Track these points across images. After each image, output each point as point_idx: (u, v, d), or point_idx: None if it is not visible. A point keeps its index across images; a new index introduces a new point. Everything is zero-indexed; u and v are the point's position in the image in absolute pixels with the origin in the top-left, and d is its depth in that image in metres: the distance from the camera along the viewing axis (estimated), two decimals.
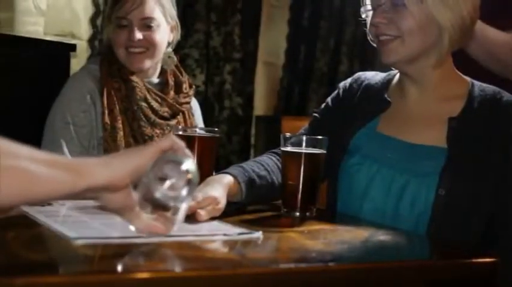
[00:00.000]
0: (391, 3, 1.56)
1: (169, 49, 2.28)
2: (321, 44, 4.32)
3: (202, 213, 1.30)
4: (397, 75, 1.72)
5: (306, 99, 4.30)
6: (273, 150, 1.72)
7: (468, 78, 1.67)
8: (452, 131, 1.57)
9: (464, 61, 1.79)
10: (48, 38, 3.01)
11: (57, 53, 2.70)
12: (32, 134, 2.17)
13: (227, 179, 1.48)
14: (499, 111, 1.58)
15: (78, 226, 1.17)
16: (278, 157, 1.64)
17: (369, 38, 1.65)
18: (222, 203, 1.39)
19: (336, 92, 1.80)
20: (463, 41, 1.63)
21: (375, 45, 1.64)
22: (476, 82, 1.66)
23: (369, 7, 1.63)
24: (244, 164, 1.59)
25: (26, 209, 1.28)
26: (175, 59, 2.32)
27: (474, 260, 1.21)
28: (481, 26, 2.09)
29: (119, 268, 0.98)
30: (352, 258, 1.18)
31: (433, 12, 1.54)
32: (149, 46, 2.17)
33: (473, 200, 1.52)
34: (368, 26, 1.64)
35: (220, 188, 1.42)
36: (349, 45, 4.37)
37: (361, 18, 1.67)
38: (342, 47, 4.37)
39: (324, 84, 4.30)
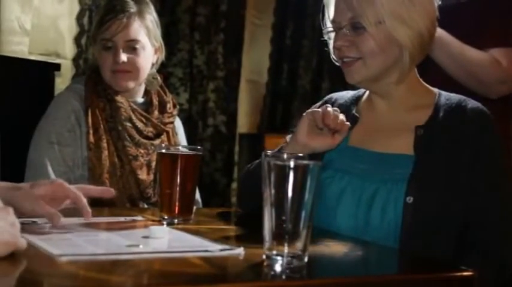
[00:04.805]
0: (351, 27, 1.60)
1: (154, 70, 2.29)
2: (303, 63, 4.36)
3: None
4: (367, 91, 1.77)
5: (289, 117, 4.33)
6: None
7: (435, 89, 1.71)
8: (419, 138, 1.60)
9: (432, 75, 1.84)
10: (33, 57, 3.03)
11: (42, 72, 2.71)
12: (16, 153, 2.18)
13: None
14: (465, 118, 1.61)
15: (62, 243, 1.18)
16: None
17: (332, 58, 1.71)
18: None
19: None
20: (423, 56, 1.67)
21: (338, 64, 1.69)
22: (443, 92, 1.70)
23: (330, 29, 1.68)
24: None
25: None
26: (159, 79, 2.32)
27: (451, 274, 1.21)
28: (460, 46, 2.14)
29: (103, 284, 0.99)
30: (333, 272, 1.21)
31: (392, 32, 1.58)
32: (133, 69, 2.18)
33: (442, 208, 1.53)
34: (331, 47, 1.69)
35: None
36: (331, 64, 4.40)
37: (324, 39, 1.71)
38: (324, 65, 4.41)
39: (307, 102, 4.33)
